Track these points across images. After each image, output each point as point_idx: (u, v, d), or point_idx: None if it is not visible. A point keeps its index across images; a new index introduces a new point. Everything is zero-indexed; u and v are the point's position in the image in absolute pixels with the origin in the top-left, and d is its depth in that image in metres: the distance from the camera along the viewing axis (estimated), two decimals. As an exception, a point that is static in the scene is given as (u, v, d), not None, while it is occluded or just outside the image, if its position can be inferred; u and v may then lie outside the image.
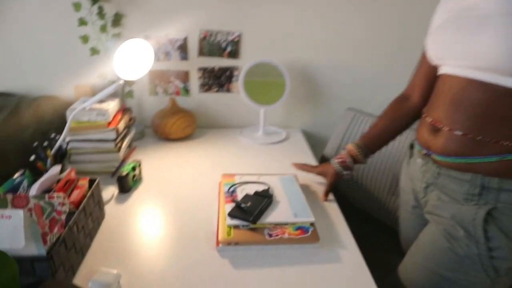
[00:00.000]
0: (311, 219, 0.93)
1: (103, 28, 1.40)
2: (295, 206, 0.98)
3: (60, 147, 1.08)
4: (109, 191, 1.12)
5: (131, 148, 1.39)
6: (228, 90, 1.58)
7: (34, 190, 0.86)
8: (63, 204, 0.75)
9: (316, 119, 1.66)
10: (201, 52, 1.51)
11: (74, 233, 0.82)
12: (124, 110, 1.33)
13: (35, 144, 1.04)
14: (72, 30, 1.40)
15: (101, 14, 1.38)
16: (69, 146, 1.17)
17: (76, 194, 0.89)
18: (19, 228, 0.67)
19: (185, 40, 1.48)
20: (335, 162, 1.11)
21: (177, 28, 1.46)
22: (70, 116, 1.10)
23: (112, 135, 1.19)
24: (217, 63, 1.53)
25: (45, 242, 0.71)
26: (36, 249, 0.71)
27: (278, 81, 1.46)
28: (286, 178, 1.13)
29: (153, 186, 1.17)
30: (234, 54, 1.51)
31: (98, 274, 0.78)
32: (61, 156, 1.07)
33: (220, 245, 0.87)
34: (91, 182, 0.97)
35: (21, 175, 0.92)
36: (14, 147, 1.15)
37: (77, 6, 1.36)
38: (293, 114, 1.65)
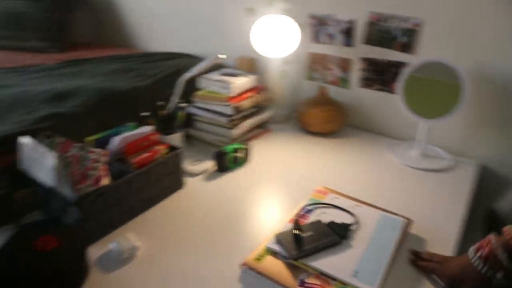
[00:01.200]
0: (372, 286, 0.63)
1: (270, 1, 1.34)
2: (366, 261, 0.69)
3: (173, 110, 1.11)
4: (207, 165, 1.09)
5: (264, 129, 1.32)
6: (391, 91, 1.26)
7: (115, 141, 0.91)
8: (96, 161, 0.75)
9: (509, 154, 1.14)
10: (368, 40, 1.24)
11: (121, 191, 0.82)
12: (260, 88, 1.25)
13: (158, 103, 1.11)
14: (241, 1, 1.41)
15: (271, -13, 1.32)
16: (192, 111, 1.20)
17: (144, 157, 0.89)
18: (53, 169, 0.71)
19: (352, 23, 1.25)
20: (472, 252, 0.67)
21: (347, 7, 1.25)
22: (179, 83, 1.10)
23: (229, 111, 1.14)
24: (385, 55, 1.23)
25: (75, 189, 0.73)
26: (66, 193, 0.74)
27: (453, 88, 1.05)
28: (390, 219, 0.82)
29: (251, 174, 1.07)
30: (408, 47, 1.18)
31: (121, 237, 0.76)
32: (168, 120, 1.10)
33: (244, 266, 0.70)
34: (173, 149, 0.95)
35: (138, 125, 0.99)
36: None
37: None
38: (473, 139, 1.18)
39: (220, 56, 1.19)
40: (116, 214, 0.83)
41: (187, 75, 1.12)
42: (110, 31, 2.11)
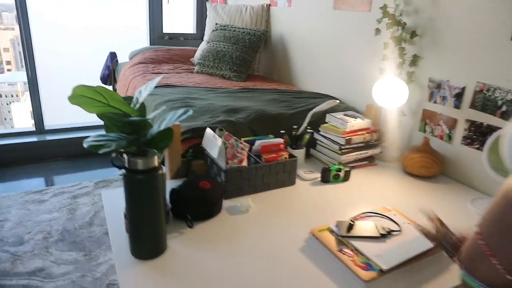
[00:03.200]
0: (384, 266, 0.93)
1: (400, 65, 1.68)
2: (390, 252, 0.99)
3: (301, 133, 1.56)
4: (315, 176, 1.49)
5: (370, 162, 1.65)
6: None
7: (257, 144, 1.41)
8: (242, 149, 1.25)
9: None
10: (473, 105, 1.46)
11: (251, 172, 1.30)
12: (372, 130, 1.60)
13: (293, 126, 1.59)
14: (377, 63, 1.78)
15: (401, 53, 1.66)
16: (315, 136, 1.63)
17: (271, 156, 1.35)
18: (217, 148, 1.24)
19: (463, 89, 1.49)
20: None
21: (460, 76, 1.50)
22: (309, 115, 1.54)
23: (342, 141, 1.53)
24: (487, 120, 1.43)
25: (227, 163, 1.25)
26: (221, 164, 1.26)
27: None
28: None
29: (344, 190, 1.43)
30: (507, 115, 1.36)
31: (244, 199, 1.25)
32: (297, 139, 1.55)
33: (310, 233, 1.08)
34: (293, 157, 1.40)
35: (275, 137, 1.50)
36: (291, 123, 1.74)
37: (386, 45, 1.71)
38: None
39: (336, 101, 1.62)
40: (245, 186, 1.31)
41: (314, 110, 1.56)
42: (278, 69, 2.73)
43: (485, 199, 1.42)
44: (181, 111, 1.12)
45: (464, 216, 1.32)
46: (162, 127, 1.07)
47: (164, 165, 1.39)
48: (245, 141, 1.46)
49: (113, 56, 3.31)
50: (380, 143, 1.67)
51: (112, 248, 0.98)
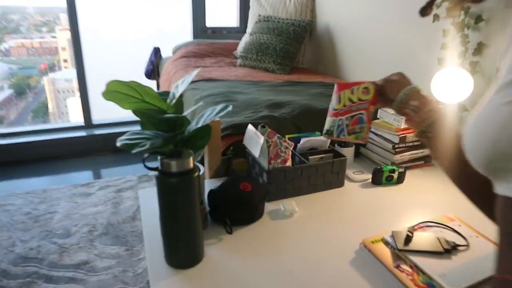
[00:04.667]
0: (452, 288, 0.81)
1: (462, 55, 1.50)
2: (457, 271, 0.86)
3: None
4: (366, 177, 1.37)
5: (426, 162, 1.49)
6: None
7: (302, 141, 1.31)
8: (286, 148, 1.15)
9: None
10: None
11: (296, 173, 1.20)
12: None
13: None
14: (435, 52, 1.60)
15: (464, 41, 1.48)
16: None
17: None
18: (259, 145, 1.16)
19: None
20: None
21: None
22: None
23: (396, 139, 1.39)
24: None
25: (269, 163, 1.16)
26: (264, 164, 1.18)
27: None
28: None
29: (397, 193, 1.29)
30: None
31: (288, 202, 1.16)
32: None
33: (362, 244, 0.97)
34: (339, 155, 1.29)
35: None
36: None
37: (445, 32, 1.53)
38: None
39: None
40: (289, 187, 1.22)
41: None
42: (324, 60, 2.59)
43: None
44: (220, 106, 1.04)
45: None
46: (200, 124, 1.00)
47: (203, 164, 1.33)
48: (289, 138, 1.36)
49: (157, 51, 3.32)
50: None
51: (146, 255, 0.93)
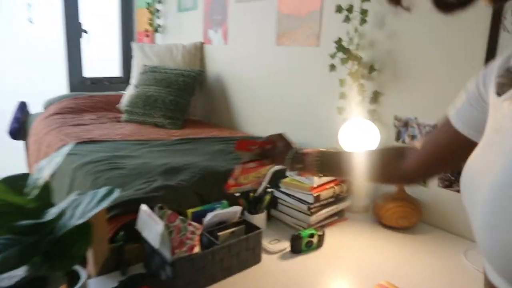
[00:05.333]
0: None
1: (360, 103, 1.50)
2: None
3: (260, 193, 1.28)
4: (283, 246, 1.21)
5: (340, 217, 1.41)
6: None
7: (208, 216, 1.10)
8: (193, 233, 0.94)
9: None
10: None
11: (206, 259, 0.99)
12: (340, 180, 1.37)
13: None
14: (334, 101, 1.59)
15: (361, 90, 1.48)
16: (277, 195, 1.36)
17: (250, 167, 1.02)
18: (158, 234, 0.92)
19: (434, 127, 1.33)
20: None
21: (430, 112, 1.34)
22: (269, 173, 1.27)
23: (310, 199, 1.28)
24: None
25: (172, 253, 0.92)
26: (165, 254, 0.93)
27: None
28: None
29: (321, 259, 1.16)
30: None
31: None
32: (256, 201, 1.27)
33: None
34: (255, 228, 1.11)
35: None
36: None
37: (342, 82, 1.53)
38: None
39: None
40: (201, 278, 0.99)
41: (276, 167, 1.29)
42: (218, 112, 2.47)
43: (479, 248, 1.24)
44: (103, 191, 0.81)
45: (459, 271, 1.12)
46: (75, 220, 0.74)
47: (85, 261, 1.03)
48: (193, 213, 1.15)
49: (22, 106, 2.83)
50: (349, 194, 1.45)
51: None
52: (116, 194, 0.79)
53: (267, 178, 1.27)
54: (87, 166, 1.52)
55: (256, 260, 1.12)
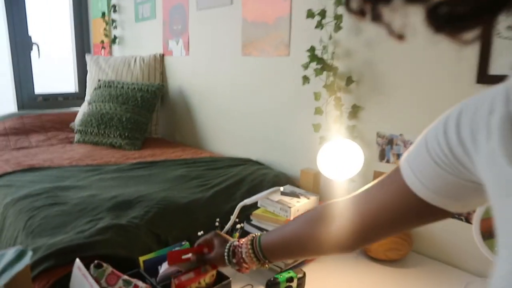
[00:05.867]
0: None
1: (337, 119, 1.34)
2: None
3: (229, 229, 1.09)
4: (258, 292, 1.02)
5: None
6: (468, 220, 1.13)
7: (163, 266, 0.89)
8: (139, 297, 0.73)
9: None
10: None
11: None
12: (320, 208, 1.20)
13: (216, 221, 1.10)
14: (309, 117, 1.42)
15: (338, 104, 1.32)
16: (247, 230, 1.16)
17: (188, 279, 0.85)
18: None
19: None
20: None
21: (415, 129, 1.19)
22: (238, 207, 1.08)
23: (286, 233, 1.09)
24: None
25: (113, 325, 0.71)
26: (104, 330, 0.72)
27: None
28: None
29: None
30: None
31: None
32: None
33: None
34: (223, 278, 0.91)
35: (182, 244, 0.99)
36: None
37: (317, 96, 1.36)
38: None
39: (281, 189, 1.17)
40: None
41: (246, 201, 1.09)
42: (181, 129, 2.26)
43: (477, 281, 1.09)
44: (11, 253, 0.61)
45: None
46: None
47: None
48: (145, 262, 0.93)
49: (-41, 129, 2.51)
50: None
51: None
52: (27, 259, 0.59)
53: (236, 212, 1.08)
54: (22, 201, 1.27)
55: (225, 316, 0.92)
